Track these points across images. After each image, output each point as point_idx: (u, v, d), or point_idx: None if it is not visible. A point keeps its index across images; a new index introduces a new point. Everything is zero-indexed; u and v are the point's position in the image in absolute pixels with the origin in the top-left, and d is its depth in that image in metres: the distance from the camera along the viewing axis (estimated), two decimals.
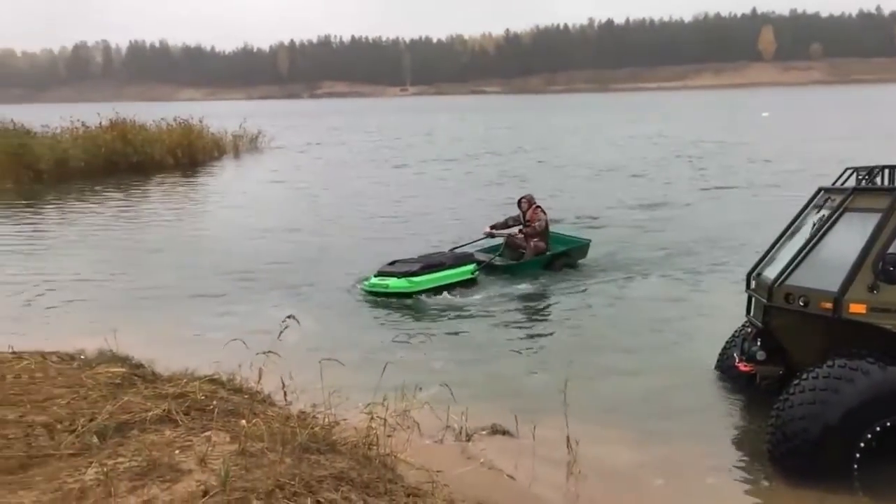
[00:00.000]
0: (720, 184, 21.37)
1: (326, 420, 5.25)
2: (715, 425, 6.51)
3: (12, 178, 24.06)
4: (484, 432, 6.15)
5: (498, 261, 11.67)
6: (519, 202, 12.22)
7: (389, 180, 24.23)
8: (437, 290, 10.60)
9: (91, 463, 4.21)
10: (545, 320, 9.86)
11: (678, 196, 19.22)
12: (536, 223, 11.85)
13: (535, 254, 11.81)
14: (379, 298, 10.46)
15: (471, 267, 11.14)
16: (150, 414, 4.93)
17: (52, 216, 19.15)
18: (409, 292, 10.38)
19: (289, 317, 5.71)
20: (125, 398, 5.16)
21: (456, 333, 9.26)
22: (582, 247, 12.36)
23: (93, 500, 3.78)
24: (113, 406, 4.99)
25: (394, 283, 10.41)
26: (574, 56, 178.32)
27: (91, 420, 4.79)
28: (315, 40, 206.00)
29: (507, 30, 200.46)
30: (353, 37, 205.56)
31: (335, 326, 9.44)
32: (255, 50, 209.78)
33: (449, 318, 9.83)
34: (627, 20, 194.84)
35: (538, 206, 12.03)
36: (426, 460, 5.09)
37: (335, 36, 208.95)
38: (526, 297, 10.71)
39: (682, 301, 10.35)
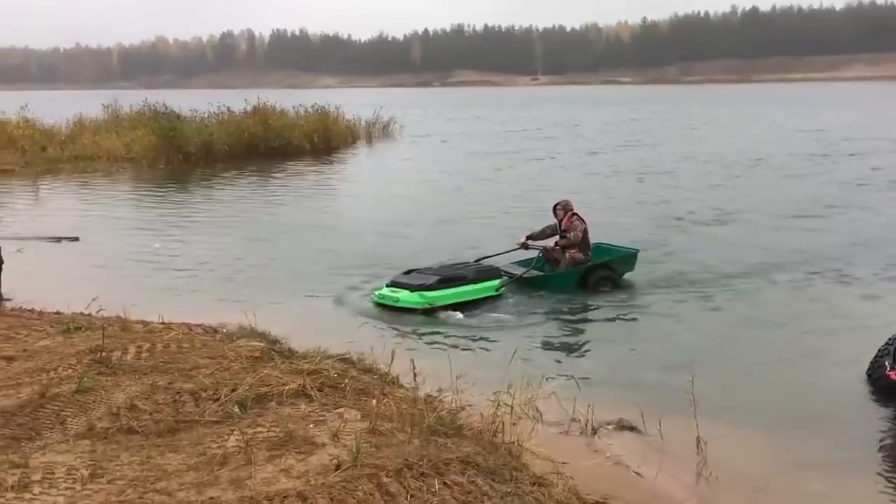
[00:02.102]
0: (876, 183, 19.94)
1: (453, 404, 5.31)
2: (860, 437, 6.11)
3: (164, 159, 25.65)
4: (610, 427, 6.04)
5: (530, 274, 10.59)
6: (554, 209, 11.03)
7: (530, 173, 23.52)
8: (455, 307, 9.64)
9: (233, 431, 4.44)
10: (668, 321, 9.37)
11: (829, 195, 17.97)
12: (572, 233, 10.72)
13: (571, 264, 10.73)
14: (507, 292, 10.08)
15: (496, 282, 10.20)
16: (286, 388, 5.16)
17: (198, 196, 20.26)
18: (420, 308, 9.51)
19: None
20: (264, 371, 5.41)
21: (579, 330, 9.15)
22: (627, 257, 10.97)
23: (234, 466, 3.99)
24: (253, 378, 5.25)
25: (404, 297, 9.58)
26: (714, 45, 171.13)
27: (233, 390, 5.06)
28: (448, 29, 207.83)
29: (644, 18, 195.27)
30: (485, 25, 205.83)
31: (460, 315, 9.49)
32: (389, 38, 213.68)
33: (569, 315, 9.60)
34: (773, 7, 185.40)
35: (575, 214, 10.89)
36: (551, 451, 5.07)
37: (468, 24, 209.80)
38: (635, 298, 10.26)
39: (829, 306, 9.67)
